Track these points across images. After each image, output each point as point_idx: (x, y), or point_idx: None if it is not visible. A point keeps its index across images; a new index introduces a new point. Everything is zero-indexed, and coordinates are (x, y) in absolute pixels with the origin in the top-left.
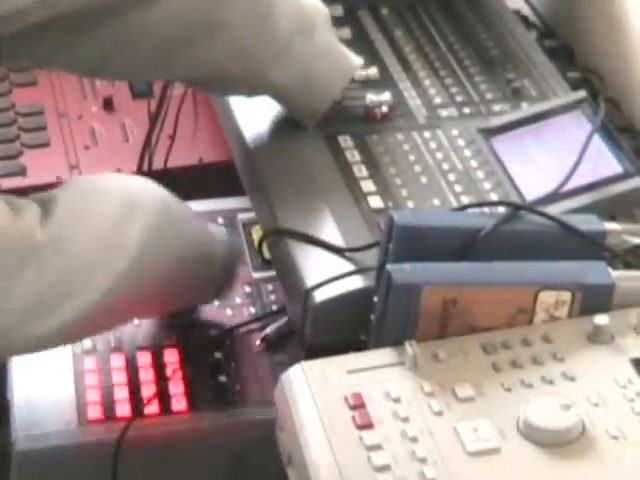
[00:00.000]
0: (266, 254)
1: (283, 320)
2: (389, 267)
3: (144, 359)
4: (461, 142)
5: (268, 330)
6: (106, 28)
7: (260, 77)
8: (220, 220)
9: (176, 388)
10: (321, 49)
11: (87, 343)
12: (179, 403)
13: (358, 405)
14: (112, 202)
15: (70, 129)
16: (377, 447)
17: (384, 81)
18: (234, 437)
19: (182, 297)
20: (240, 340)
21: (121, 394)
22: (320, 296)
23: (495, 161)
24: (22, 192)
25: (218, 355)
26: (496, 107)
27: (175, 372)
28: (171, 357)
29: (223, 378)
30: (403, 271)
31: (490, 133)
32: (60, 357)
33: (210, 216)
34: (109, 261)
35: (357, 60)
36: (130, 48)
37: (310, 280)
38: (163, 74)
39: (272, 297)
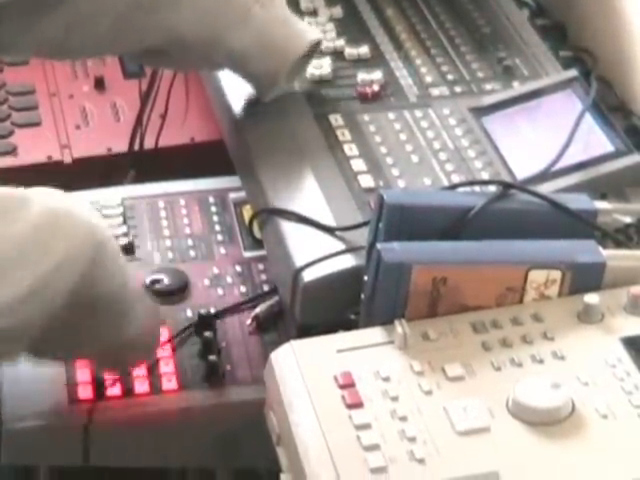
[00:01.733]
0: (257, 233)
1: (274, 300)
2: (379, 246)
3: None
4: (452, 121)
5: (258, 310)
6: (67, 4)
7: (218, 42)
8: (211, 199)
9: (166, 367)
10: (279, 17)
11: None
12: (169, 382)
13: (347, 384)
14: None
15: (61, 108)
16: (366, 426)
17: (375, 60)
18: (224, 417)
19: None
20: (230, 319)
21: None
22: (310, 275)
23: (486, 140)
24: (14, 171)
25: (208, 334)
26: (487, 86)
27: (165, 350)
28: (161, 335)
29: (213, 357)
30: (393, 250)
31: (481, 112)
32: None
33: (201, 195)
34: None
35: (315, 33)
36: (92, 21)
37: (300, 259)
38: (124, 46)
39: (263, 277)
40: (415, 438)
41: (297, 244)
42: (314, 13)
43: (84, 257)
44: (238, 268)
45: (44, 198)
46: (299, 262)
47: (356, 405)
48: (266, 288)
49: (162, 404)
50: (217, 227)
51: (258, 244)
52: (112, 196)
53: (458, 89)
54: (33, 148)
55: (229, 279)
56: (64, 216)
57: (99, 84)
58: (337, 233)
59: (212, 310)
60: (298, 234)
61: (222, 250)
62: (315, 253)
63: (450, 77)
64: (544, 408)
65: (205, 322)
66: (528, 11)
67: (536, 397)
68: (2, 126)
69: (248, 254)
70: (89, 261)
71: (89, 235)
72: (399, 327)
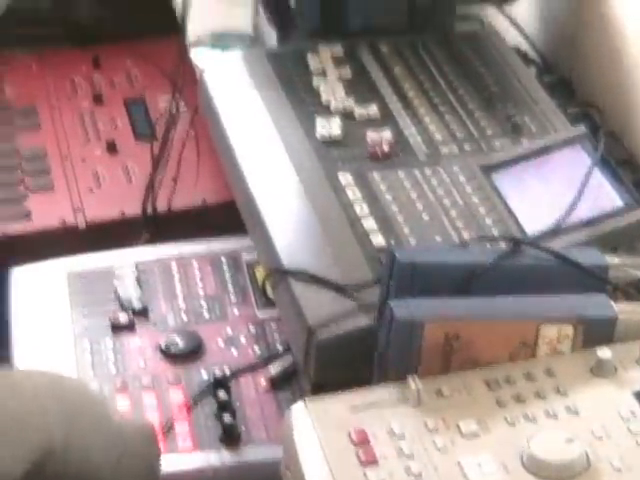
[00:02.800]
0: (270, 293)
1: (288, 359)
2: (391, 303)
3: (149, 399)
4: (462, 178)
5: (273, 369)
6: None
7: None
8: (224, 260)
9: (182, 428)
10: None
11: (93, 385)
12: (184, 442)
13: (362, 441)
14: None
15: (74, 172)
16: None
17: (385, 119)
18: (240, 477)
19: None
20: (245, 379)
21: None
22: (323, 334)
23: (496, 196)
24: (28, 236)
25: (223, 395)
26: (496, 143)
27: (180, 412)
28: (176, 397)
29: (228, 418)
30: (405, 307)
31: (491, 169)
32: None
33: (214, 256)
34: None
35: None
36: None
37: (313, 318)
38: None
39: (276, 336)
40: None
41: (310, 303)
42: (323, 73)
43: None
44: (252, 328)
45: None
46: (312, 321)
47: (371, 462)
48: (280, 348)
49: (178, 464)
50: (230, 288)
51: (271, 304)
52: (125, 259)
53: (467, 147)
54: (46, 212)
55: (243, 339)
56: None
57: (111, 147)
58: (349, 292)
59: (226, 371)
60: (310, 293)
61: (236, 311)
62: (328, 312)
63: (459, 135)
64: (559, 463)
65: (220, 383)
66: (535, 68)
67: (551, 452)
68: (15, 191)
69: (262, 314)
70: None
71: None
72: (412, 384)
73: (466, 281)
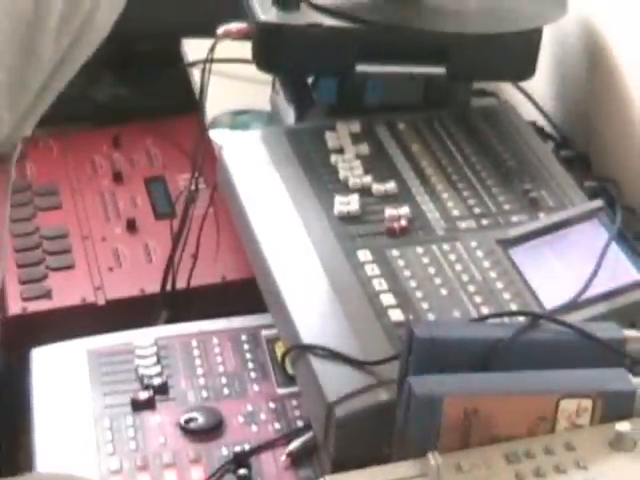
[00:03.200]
0: (290, 369)
1: (308, 435)
2: (410, 379)
3: (170, 477)
4: (480, 253)
5: (293, 446)
6: None
7: None
8: (244, 337)
9: None
10: None
11: (114, 463)
12: None
13: None
14: None
15: (94, 251)
16: None
17: (402, 195)
18: None
19: None
20: (265, 456)
21: None
22: (342, 410)
23: (514, 271)
24: (49, 314)
25: (243, 472)
26: (514, 218)
27: None
28: (197, 474)
29: None
30: (424, 383)
31: (509, 244)
32: (87, 477)
33: (234, 333)
34: None
35: None
36: None
37: (332, 394)
38: None
39: (296, 412)
40: None
41: (329, 379)
42: (341, 151)
43: None
44: (272, 405)
45: None
46: (331, 397)
47: None
48: (300, 424)
49: None
50: (250, 364)
51: (291, 380)
52: (145, 336)
53: (485, 222)
54: (67, 291)
55: (263, 416)
56: None
57: (131, 226)
58: (368, 367)
59: (247, 447)
60: (330, 369)
61: (256, 387)
62: (347, 388)
63: (477, 210)
64: None
65: (240, 459)
66: (552, 143)
67: None
68: (36, 270)
69: (281, 390)
70: None
71: None
72: (432, 459)
73: (485, 356)
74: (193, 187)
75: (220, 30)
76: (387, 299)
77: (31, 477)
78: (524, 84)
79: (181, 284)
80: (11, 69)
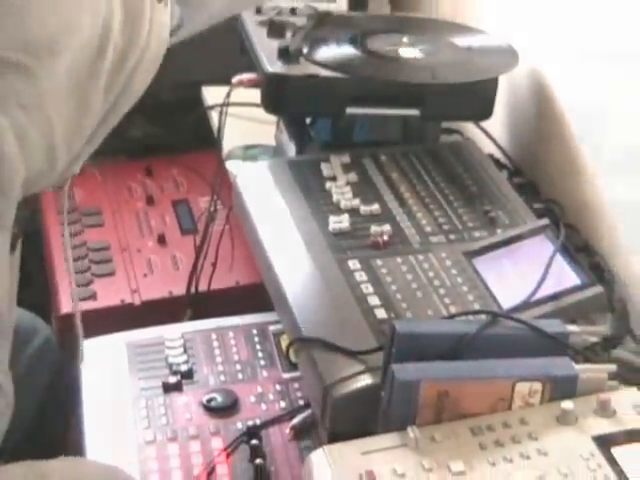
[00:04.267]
0: (293, 358)
1: (308, 412)
2: (393, 367)
3: (195, 446)
4: (449, 262)
5: (295, 421)
6: None
7: None
8: (255, 331)
9: (222, 469)
10: None
11: (149, 435)
12: None
13: None
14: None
15: (131, 260)
16: None
17: (384, 215)
18: None
19: None
20: (273, 429)
21: (176, 477)
22: (337, 392)
23: (477, 277)
24: (94, 313)
25: (255, 442)
26: (476, 233)
27: (220, 457)
28: (217, 444)
29: (260, 461)
30: (404, 370)
31: (472, 255)
32: (126, 447)
33: (246, 328)
34: None
35: None
36: None
37: (328, 379)
38: None
39: (298, 393)
40: None
41: (325, 366)
42: (334, 178)
43: None
44: (278, 387)
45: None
46: (328, 381)
47: None
48: (301, 403)
49: None
50: (260, 354)
51: (294, 367)
52: (174, 331)
53: (452, 236)
54: (109, 293)
55: (271, 396)
56: None
57: (161, 240)
58: (358, 356)
59: (258, 422)
60: (326, 358)
61: (264, 373)
62: (340, 373)
63: (446, 227)
64: None
65: (252, 432)
66: (507, 172)
67: None
68: (84, 276)
69: (286, 375)
70: None
71: None
72: (411, 432)
73: (454, 348)
74: (212, 208)
75: (234, 80)
76: (373, 300)
77: (79, 461)
78: (483, 123)
79: (202, 287)
80: (70, 120)
